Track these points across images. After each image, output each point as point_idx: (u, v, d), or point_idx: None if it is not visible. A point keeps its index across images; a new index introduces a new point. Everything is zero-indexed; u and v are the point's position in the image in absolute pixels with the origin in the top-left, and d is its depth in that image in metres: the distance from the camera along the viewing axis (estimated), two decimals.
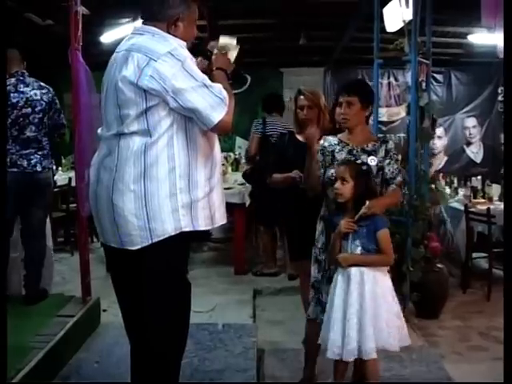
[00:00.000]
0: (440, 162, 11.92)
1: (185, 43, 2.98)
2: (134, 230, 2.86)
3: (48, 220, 5.67)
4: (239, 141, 11.37)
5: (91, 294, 5.15)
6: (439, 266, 5.95)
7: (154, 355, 3.06)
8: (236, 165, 10.06)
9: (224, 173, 8.48)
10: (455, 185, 8.57)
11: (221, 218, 3.15)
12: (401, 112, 11.05)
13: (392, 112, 11.79)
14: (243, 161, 10.11)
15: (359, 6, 8.02)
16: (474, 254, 7.01)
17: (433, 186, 6.41)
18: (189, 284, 3.19)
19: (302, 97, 4.62)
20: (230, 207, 7.90)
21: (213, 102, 2.82)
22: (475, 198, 7.64)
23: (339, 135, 3.98)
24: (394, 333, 3.53)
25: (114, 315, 5.39)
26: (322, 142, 3.97)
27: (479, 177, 8.50)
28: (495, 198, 7.68)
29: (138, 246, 2.88)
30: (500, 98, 12.06)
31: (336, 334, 3.50)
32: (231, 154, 10.75)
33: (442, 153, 11.99)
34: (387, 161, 3.84)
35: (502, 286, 6.67)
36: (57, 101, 5.40)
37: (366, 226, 3.57)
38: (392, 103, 11.83)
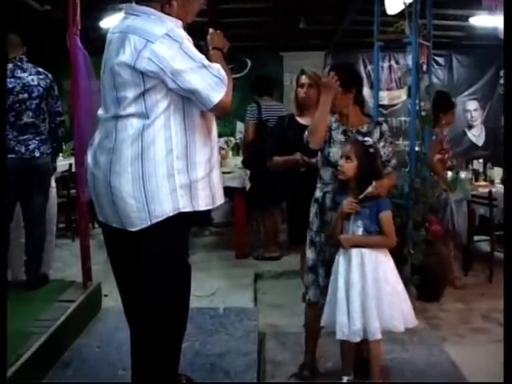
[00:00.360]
0: None
1: (181, 23, 2.96)
2: (133, 211, 2.87)
3: (55, 203, 5.69)
4: (240, 125, 11.30)
5: (92, 280, 5.16)
6: (441, 248, 5.95)
7: (153, 339, 3.05)
8: (237, 149, 10.02)
9: (225, 157, 8.49)
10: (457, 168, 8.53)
11: (220, 198, 3.17)
12: (402, 95, 11.02)
13: (393, 95, 11.74)
14: None
15: None
16: (476, 237, 7.00)
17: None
18: (189, 267, 3.19)
19: (303, 76, 4.69)
20: (231, 191, 7.94)
21: (212, 82, 2.80)
22: (477, 180, 7.62)
23: (335, 115, 3.97)
24: (398, 314, 3.56)
25: (115, 300, 5.37)
26: None
27: (481, 160, 8.47)
28: (497, 180, 7.66)
29: (138, 228, 2.89)
30: (502, 81, 12.02)
31: (343, 315, 3.53)
32: (232, 139, 10.72)
33: None
34: (382, 143, 3.84)
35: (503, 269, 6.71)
36: (55, 87, 5.38)
37: (368, 207, 3.58)
38: (393, 86, 11.77)
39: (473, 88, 12.01)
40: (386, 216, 3.61)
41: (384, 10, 6.26)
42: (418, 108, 5.79)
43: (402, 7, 5.87)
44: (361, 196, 3.55)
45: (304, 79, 4.70)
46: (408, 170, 5.77)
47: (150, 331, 3.06)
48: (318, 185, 3.95)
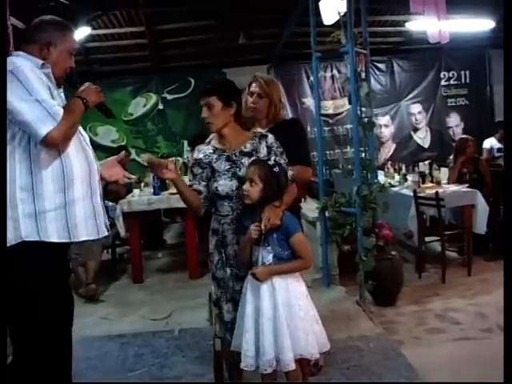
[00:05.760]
0: (388, 150, 12.05)
1: (40, 62, 3.05)
2: None
3: None
4: (187, 145, 11.36)
5: None
6: (392, 253, 5.98)
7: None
8: (185, 169, 9.97)
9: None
10: (403, 171, 8.62)
11: (87, 233, 3.12)
12: (346, 103, 11.12)
13: (338, 104, 11.88)
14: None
15: (296, 0, 8.07)
16: (427, 238, 7.06)
17: None
18: (52, 294, 3.08)
19: (253, 83, 4.18)
20: (180, 212, 7.85)
21: (41, 115, 2.85)
22: (424, 182, 7.69)
23: (212, 142, 3.64)
24: (312, 340, 3.34)
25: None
26: (195, 154, 3.66)
27: (427, 162, 8.57)
28: (443, 181, 7.76)
29: None
30: (443, 82, 12.25)
31: (248, 344, 3.29)
32: (180, 159, 10.71)
33: (389, 141, 12.12)
34: (272, 157, 3.52)
35: (455, 268, 6.83)
36: None
37: (276, 233, 3.34)
38: (337, 95, 11.91)
39: (415, 91, 12.22)
40: (297, 239, 3.35)
41: (321, 21, 6.33)
42: (359, 115, 5.84)
43: (338, 17, 5.93)
44: (262, 226, 3.28)
45: (254, 87, 4.16)
46: (354, 177, 5.81)
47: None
48: (215, 216, 3.63)
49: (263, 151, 3.53)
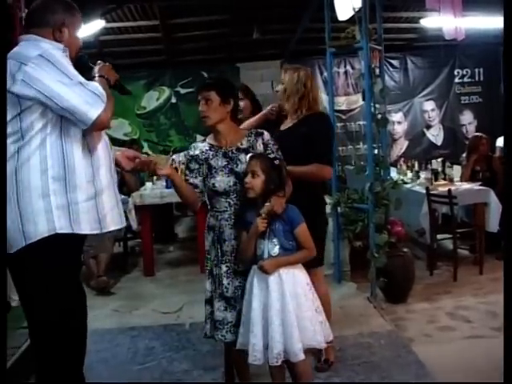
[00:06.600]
0: (401, 147, 12.02)
1: (62, 46, 2.96)
2: (10, 233, 2.80)
3: None
4: (200, 139, 11.34)
5: None
6: (404, 250, 5.96)
7: (42, 365, 2.99)
8: None
9: (184, 172, 8.44)
10: (416, 169, 8.60)
11: (114, 223, 3.07)
12: (360, 100, 11.10)
13: (351, 100, 11.87)
14: None
15: None
16: (439, 236, 7.04)
17: None
18: (75, 286, 3.06)
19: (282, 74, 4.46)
20: None
21: (89, 98, 2.76)
22: (436, 180, 7.66)
23: (208, 139, 3.67)
24: (319, 329, 3.38)
25: None
26: (191, 151, 3.65)
27: (440, 159, 8.54)
28: (456, 178, 7.73)
29: (14, 250, 2.81)
30: (457, 79, 12.21)
31: (257, 338, 3.30)
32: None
33: (402, 138, 12.09)
34: (268, 153, 3.58)
35: (467, 266, 6.79)
36: None
37: (281, 224, 3.39)
38: (350, 91, 11.91)
39: (429, 88, 12.19)
40: (302, 230, 3.41)
41: (336, 17, 6.31)
42: (373, 111, 5.81)
43: (353, 13, 5.91)
44: (263, 215, 3.33)
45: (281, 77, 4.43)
46: (367, 174, 5.80)
47: (38, 358, 3.00)
48: (211, 213, 3.61)
49: (260, 148, 3.58)
